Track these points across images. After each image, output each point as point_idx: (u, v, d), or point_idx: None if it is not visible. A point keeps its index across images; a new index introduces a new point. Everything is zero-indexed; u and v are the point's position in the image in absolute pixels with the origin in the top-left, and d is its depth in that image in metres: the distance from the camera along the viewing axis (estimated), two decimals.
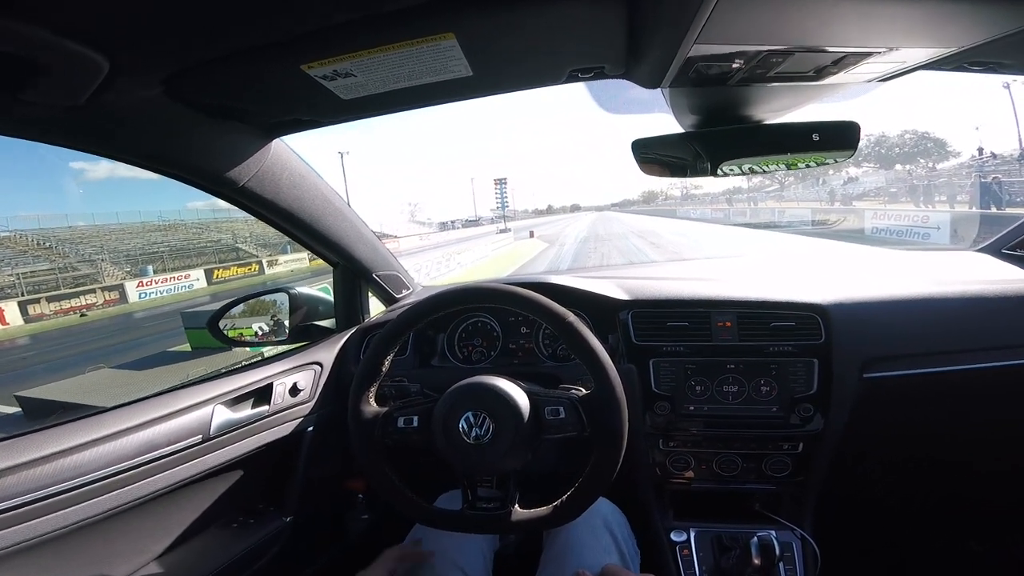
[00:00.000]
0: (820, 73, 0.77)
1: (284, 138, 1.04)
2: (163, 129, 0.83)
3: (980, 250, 1.52)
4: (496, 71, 0.80)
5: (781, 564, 1.09)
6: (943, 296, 1.21)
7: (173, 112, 0.79)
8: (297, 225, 1.19)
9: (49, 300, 21.93)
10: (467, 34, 0.66)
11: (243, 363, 1.28)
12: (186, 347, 9.31)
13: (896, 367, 1.17)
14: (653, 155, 1.00)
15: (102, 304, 23.02)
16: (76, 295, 23.07)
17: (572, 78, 0.83)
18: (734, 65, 0.73)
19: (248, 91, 0.79)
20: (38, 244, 29.49)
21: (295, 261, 34.03)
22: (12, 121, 0.71)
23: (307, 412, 1.24)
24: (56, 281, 25.59)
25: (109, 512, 0.87)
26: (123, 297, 23.87)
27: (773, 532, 1.09)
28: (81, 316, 21.26)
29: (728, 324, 1.19)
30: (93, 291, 23.65)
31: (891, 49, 0.70)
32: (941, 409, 1.27)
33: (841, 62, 0.72)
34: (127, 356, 9.94)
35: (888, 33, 0.66)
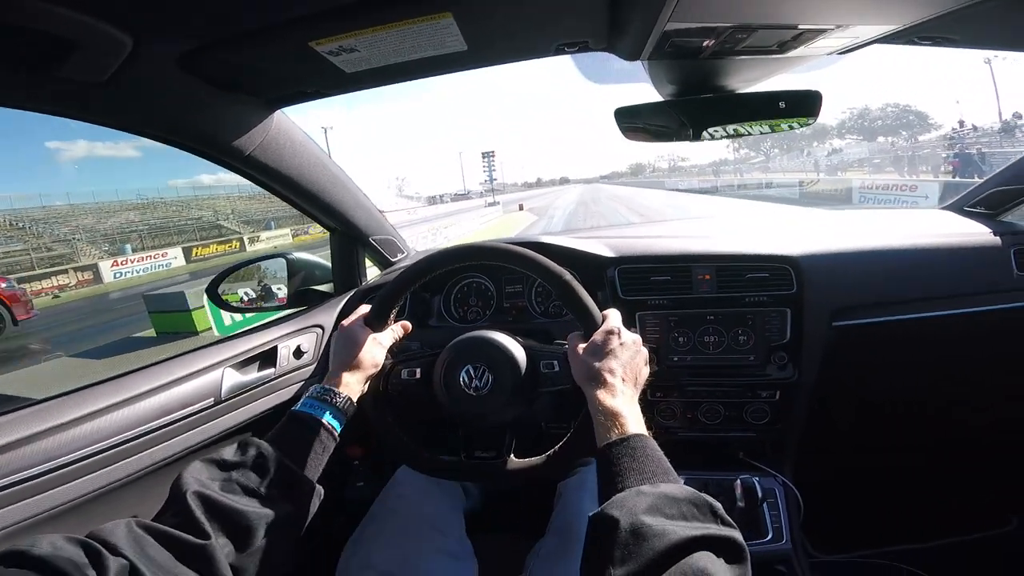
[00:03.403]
0: (783, 47, 0.85)
1: (284, 109, 1.08)
2: (177, 103, 0.88)
3: (945, 208, 1.60)
4: (489, 45, 0.86)
5: (765, 506, 1.16)
6: (908, 248, 1.28)
7: (186, 87, 0.84)
8: (298, 192, 1.23)
9: (19, 281, 21.27)
10: (463, 12, 0.72)
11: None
12: (152, 332, 8.77)
13: (863, 315, 1.25)
14: (635, 123, 1.06)
15: (75, 285, 22.31)
16: (49, 275, 22.30)
17: (559, 51, 0.89)
18: (705, 40, 0.80)
19: (257, 65, 0.84)
20: (11, 224, 28.51)
21: (278, 237, 33.00)
22: (43, 97, 0.76)
23: (310, 374, 1.28)
24: (31, 262, 24.76)
25: (130, 477, 0.89)
26: (97, 277, 23.09)
27: (756, 477, 1.15)
28: (54, 297, 20.73)
29: (707, 277, 1.25)
30: (66, 271, 22.84)
31: (844, 25, 0.77)
32: (908, 356, 1.35)
33: (800, 37, 0.80)
34: (96, 341, 9.29)
35: (840, 10, 0.74)
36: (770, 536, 1.14)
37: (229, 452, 0.66)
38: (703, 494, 0.56)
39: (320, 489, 0.71)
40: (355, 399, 0.81)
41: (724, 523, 0.54)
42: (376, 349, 0.87)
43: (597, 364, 0.76)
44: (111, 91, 0.77)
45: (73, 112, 0.81)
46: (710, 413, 1.29)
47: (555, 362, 0.88)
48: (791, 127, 1.00)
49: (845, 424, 1.52)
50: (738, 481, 1.12)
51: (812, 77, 1.07)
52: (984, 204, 1.48)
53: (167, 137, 0.95)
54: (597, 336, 0.80)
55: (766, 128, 1.01)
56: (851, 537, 1.50)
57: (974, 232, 1.36)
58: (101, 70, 0.71)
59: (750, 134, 1.02)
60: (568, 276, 0.86)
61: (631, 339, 0.81)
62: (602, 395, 0.72)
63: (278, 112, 1.06)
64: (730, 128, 1.03)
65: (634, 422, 0.69)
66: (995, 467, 1.57)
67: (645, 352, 0.83)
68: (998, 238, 1.30)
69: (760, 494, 1.11)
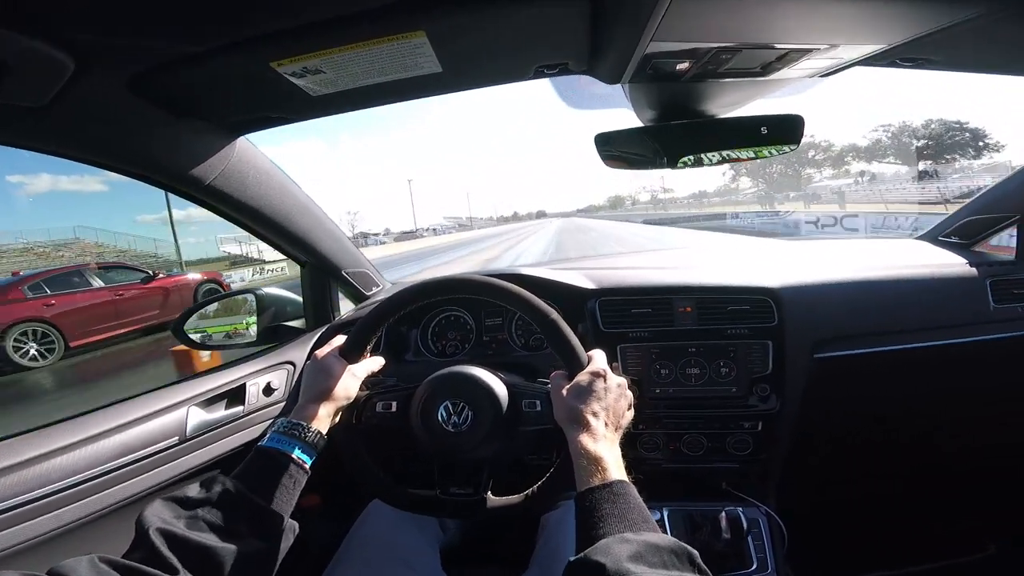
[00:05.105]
0: (766, 69, 0.83)
1: (249, 136, 1.03)
2: (127, 128, 0.82)
3: (920, 238, 1.64)
4: (465, 67, 0.83)
5: (749, 538, 1.15)
6: (886, 279, 1.30)
7: (138, 111, 0.79)
8: (265, 224, 1.19)
9: None
10: (437, 32, 0.68)
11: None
12: None
13: (844, 347, 1.25)
14: (615, 149, 1.04)
15: None
16: None
17: (538, 74, 0.86)
18: (687, 62, 0.78)
19: (215, 88, 0.79)
20: None
21: None
22: None
23: (280, 412, 1.23)
24: None
25: (89, 517, 0.86)
26: None
27: (740, 508, 1.14)
28: None
29: (689, 309, 1.25)
30: None
31: (828, 46, 0.76)
32: (888, 387, 1.35)
33: (784, 58, 0.78)
34: None
35: (824, 31, 0.72)
36: (755, 566, 1.13)
37: (193, 490, 0.64)
38: (682, 543, 0.57)
39: (294, 524, 0.68)
40: (325, 432, 0.77)
41: (700, 572, 0.55)
42: (351, 381, 0.84)
43: (580, 406, 0.76)
44: (54, 116, 0.72)
45: (10, 139, 0.76)
46: (693, 444, 1.28)
47: (537, 402, 0.86)
48: (779, 151, 0.98)
49: (827, 454, 1.52)
50: (723, 513, 1.11)
51: (792, 101, 1.07)
52: (958, 234, 1.52)
53: (118, 165, 0.90)
54: (582, 378, 0.79)
55: (749, 154, 0.99)
56: (836, 565, 1.49)
57: (950, 263, 1.39)
58: (40, 93, 0.66)
59: (736, 160, 1.00)
60: (555, 315, 0.84)
61: (615, 382, 0.81)
62: (584, 439, 0.72)
63: (241, 139, 1.01)
64: (704, 157, 1.01)
65: (615, 467, 0.69)
66: (975, 494, 1.59)
67: (629, 396, 0.83)
68: (974, 269, 1.33)
69: (745, 525, 1.10)
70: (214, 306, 1.60)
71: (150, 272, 11.11)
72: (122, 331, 9.71)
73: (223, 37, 0.65)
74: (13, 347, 8.18)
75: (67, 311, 8.94)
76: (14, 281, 9.30)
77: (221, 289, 12.21)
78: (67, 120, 0.75)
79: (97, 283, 9.86)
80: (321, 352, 0.87)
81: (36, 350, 8.43)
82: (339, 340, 0.89)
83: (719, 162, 1.02)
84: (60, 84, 0.65)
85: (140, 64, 0.68)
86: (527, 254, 22.19)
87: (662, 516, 1.23)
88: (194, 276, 12.37)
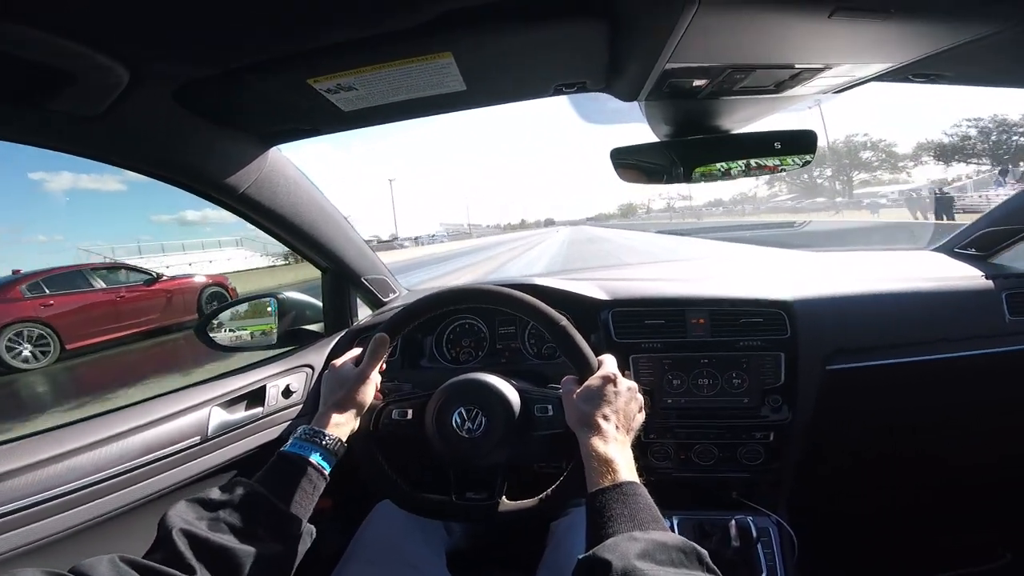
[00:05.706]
0: (780, 87, 0.86)
1: (279, 146, 1.07)
2: (171, 138, 0.87)
3: (935, 249, 1.63)
4: (488, 86, 0.87)
5: (759, 546, 1.14)
6: (900, 292, 1.29)
7: (181, 122, 0.83)
8: (291, 231, 1.22)
9: None
10: (463, 53, 0.72)
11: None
12: None
13: (857, 359, 1.24)
14: (631, 162, 1.06)
15: None
16: None
17: (557, 92, 0.90)
18: (703, 80, 0.81)
19: (254, 101, 0.83)
20: None
21: None
22: (37, 131, 0.75)
23: (299, 414, 1.26)
24: None
25: (113, 512, 0.89)
26: None
27: (751, 517, 1.14)
28: None
29: (701, 321, 1.25)
30: None
31: (840, 65, 0.78)
32: (901, 399, 1.34)
33: (797, 77, 0.81)
34: None
35: (837, 51, 0.75)
36: (764, 575, 1.13)
37: (216, 492, 0.65)
38: (691, 542, 0.57)
39: (312, 528, 0.70)
40: (345, 439, 0.80)
41: (710, 571, 0.55)
42: (368, 388, 0.86)
43: (591, 410, 0.76)
44: (107, 125, 0.76)
45: (68, 146, 0.80)
46: (704, 454, 1.28)
47: (549, 406, 0.88)
48: (793, 163, 1.00)
49: (839, 464, 1.51)
50: (733, 521, 1.11)
51: (807, 115, 1.09)
52: (975, 245, 1.50)
53: (161, 173, 0.94)
54: (593, 382, 0.80)
55: (767, 164, 1.01)
56: (846, 575, 1.48)
57: (966, 275, 1.37)
58: (97, 103, 0.71)
59: (750, 175, 1.02)
60: (564, 322, 0.86)
61: (626, 386, 0.81)
62: (595, 441, 0.72)
63: (273, 149, 1.06)
64: (717, 170, 1.03)
65: (626, 469, 0.69)
66: (986, 504, 1.57)
67: (640, 399, 0.83)
68: (990, 281, 1.31)
69: (755, 534, 1.10)
70: (235, 309, 1.64)
71: (154, 274, 10.72)
72: (122, 334, 9.33)
73: (266, 53, 0.69)
74: (7, 348, 7.89)
75: (65, 312, 8.56)
76: (12, 280, 8.81)
77: (226, 293, 11.66)
78: (118, 130, 0.79)
79: (99, 284, 9.50)
80: (339, 361, 0.89)
81: (30, 351, 8.10)
82: (356, 351, 0.92)
83: (734, 176, 1.04)
84: (115, 95, 0.69)
85: (187, 77, 0.73)
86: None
87: (672, 524, 1.23)
88: (199, 279, 11.83)
